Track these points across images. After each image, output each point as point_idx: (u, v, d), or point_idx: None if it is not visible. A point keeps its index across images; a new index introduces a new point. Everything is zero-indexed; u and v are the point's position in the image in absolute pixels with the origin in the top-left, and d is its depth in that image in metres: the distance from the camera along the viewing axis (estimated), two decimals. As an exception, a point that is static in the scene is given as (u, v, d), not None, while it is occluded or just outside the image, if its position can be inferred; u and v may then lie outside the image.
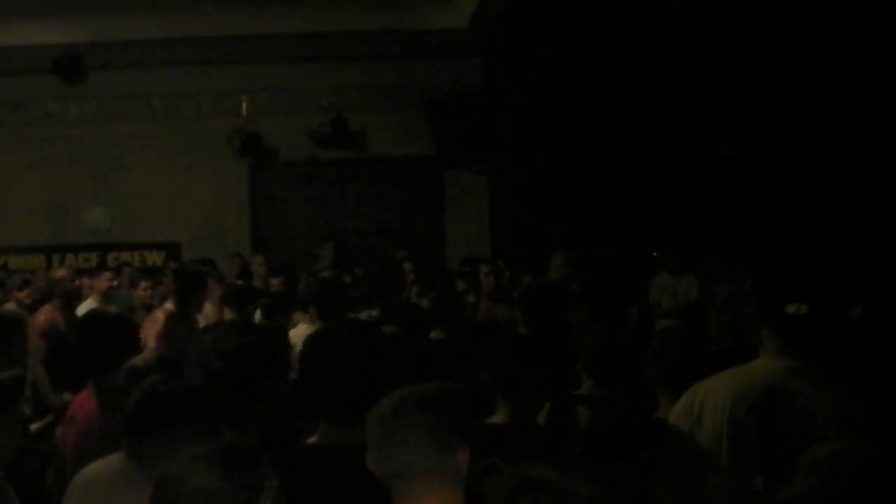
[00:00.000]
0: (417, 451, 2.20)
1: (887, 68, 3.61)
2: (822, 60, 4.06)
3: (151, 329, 5.87)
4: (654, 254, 7.08)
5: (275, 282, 9.19)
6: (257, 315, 6.80)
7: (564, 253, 5.93)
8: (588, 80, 7.21)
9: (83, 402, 3.93)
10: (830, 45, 3.99)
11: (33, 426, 4.51)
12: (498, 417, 3.70)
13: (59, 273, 8.17)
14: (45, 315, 7.29)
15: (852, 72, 3.87)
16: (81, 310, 7.96)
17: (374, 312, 7.04)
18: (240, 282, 9.69)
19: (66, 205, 12.34)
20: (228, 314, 6.93)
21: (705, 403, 3.05)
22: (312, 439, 2.84)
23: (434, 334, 5.89)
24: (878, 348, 3.57)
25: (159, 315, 6.06)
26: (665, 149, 5.89)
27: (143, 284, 8.54)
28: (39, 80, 11.83)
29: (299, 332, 5.86)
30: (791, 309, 2.95)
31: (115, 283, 8.43)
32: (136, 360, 3.50)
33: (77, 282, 7.96)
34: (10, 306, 7.01)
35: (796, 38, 4.25)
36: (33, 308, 7.39)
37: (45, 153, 12.21)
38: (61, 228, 12.36)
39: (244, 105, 12.10)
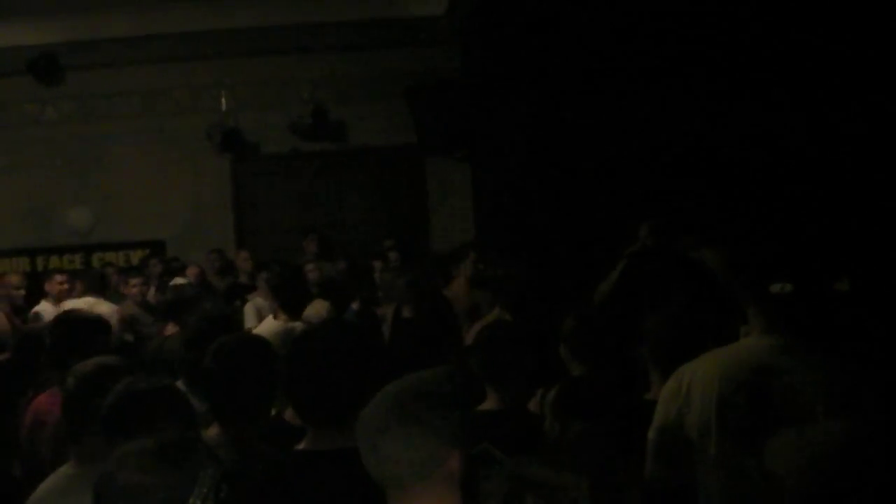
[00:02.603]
0: (407, 462, 2.17)
1: (874, 58, 3.62)
2: (810, 41, 4.07)
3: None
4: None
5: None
6: None
7: (650, 222, 5.78)
8: (568, 65, 7.21)
9: (51, 404, 3.90)
10: (821, 31, 4.00)
11: None
12: (488, 404, 3.72)
13: (9, 279, 8.29)
14: None
15: (834, 56, 3.88)
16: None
17: (356, 305, 7.06)
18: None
19: (48, 206, 12.28)
20: None
21: (693, 385, 3.05)
22: (301, 445, 2.79)
23: (405, 313, 6.03)
24: (865, 322, 3.59)
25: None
26: (648, 133, 5.89)
27: (132, 282, 8.51)
28: (15, 81, 11.75)
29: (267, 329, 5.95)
30: (776, 288, 2.95)
31: (68, 285, 8.45)
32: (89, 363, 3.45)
33: (20, 291, 8.08)
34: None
35: (783, 24, 4.26)
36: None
37: (23, 155, 12.13)
38: (44, 230, 12.30)
39: (223, 100, 12.04)
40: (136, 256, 12.23)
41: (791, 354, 2.95)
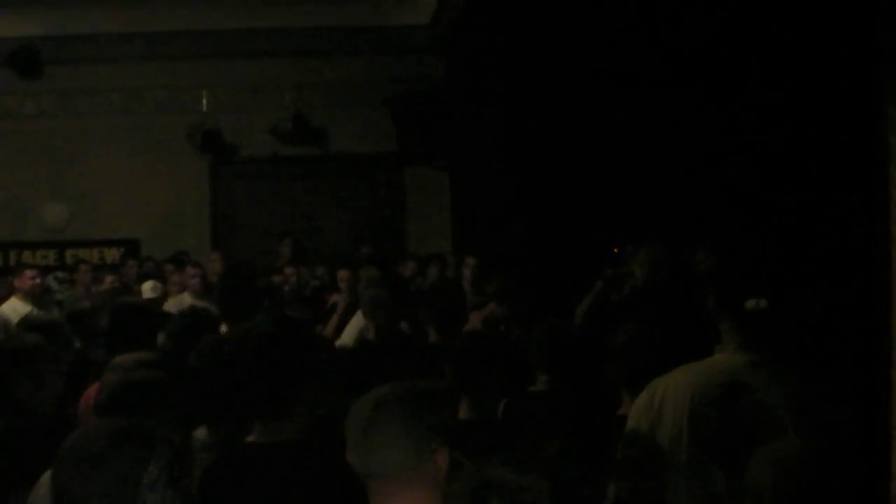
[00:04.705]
0: (395, 451, 2.21)
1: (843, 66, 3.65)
2: (784, 53, 4.10)
3: None
4: (615, 251, 7.10)
5: None
6: None
7: (653, 247, 5.53)
8: (550, 76, 7.23)
9: None
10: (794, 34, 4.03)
11: None
12: (461, 413, 3.73)
13: None
14: None
15: (809, 65, 3.91)
16: (5, 308, 7.87)
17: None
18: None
19: (23, 201, 12.18)
20: None
21: (665, 398, 3.07)
22: (250, 437, 2.86)
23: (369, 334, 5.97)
24: (836, 344, 3.61)
25: None
26: (628, 145, 5.92)
27: (109, 279, 8.40)
28: (-6, 74, 11.68)
29: None
30: (750, 304, 2.97)
31: (39, 280, 8.29)
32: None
33: None
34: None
35: (758, 31, 4.29)
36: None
37: (0, 149, 12.03)
38: (18, 225, 12.20)
39: (204, 100, 12.00)
40: (110, 254, 12.15)
41: (763, 371, 2.97)
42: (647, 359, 3.59)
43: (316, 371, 2.87)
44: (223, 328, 5.34)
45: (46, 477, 2.94)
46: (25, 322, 5.62)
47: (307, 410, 2.82)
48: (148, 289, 8.56)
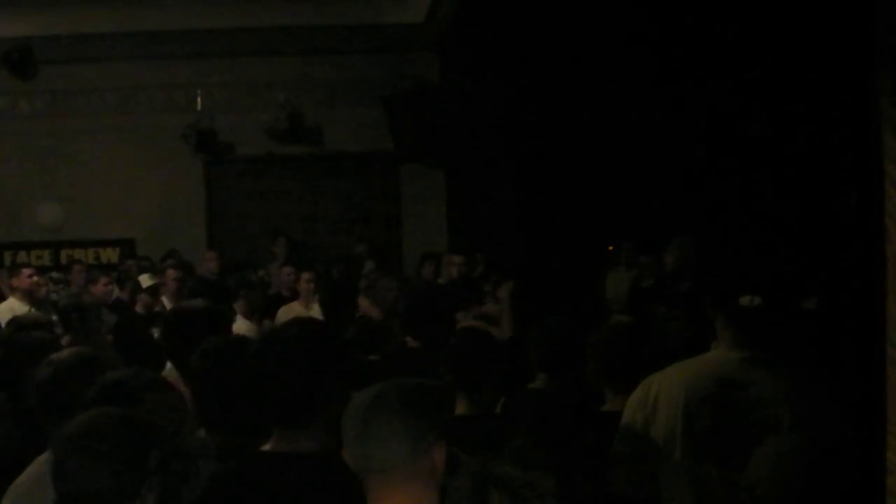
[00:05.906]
0: (392, 446, 2.20)
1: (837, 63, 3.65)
2: (778, 49, 4.11)
3: None
4: (610, 248, 7.12)
5: None
6: None
7: (684, 238, 5.58)
8: (544, 74, 7.24)
9: None
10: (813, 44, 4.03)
11: None
12: (458, 409, 3.73)
13: None
14: None
15: (805, 63, 3.92)
16: (3, 308, 7.80)
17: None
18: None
19: (18, 201, 12.14)
20: None
21: (660, 394, 3.08)
22: (266, 446, 2.76)
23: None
24: (830, 340, 3.62)
25: None
26: (624, 143, 5.92)
27: (103, 280, 8.37)
28: (-12, 74, 11.64)
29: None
30: (745, 301, 2.98)
31: (37, 279, 8.26)
32: (55, 357, 3.44)
33: None
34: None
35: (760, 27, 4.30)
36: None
37: (-5, 149, 12.02)
38: (13, 226, 12.16)
39: (199, 100, 11.97)
40: (105, 254, 12.14)
41: (758, 367, 2.98)
42: (625, 355, 3.62)
43: (339, 377, 2.74)
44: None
45: (25, 475, 2.93)
46: (17, 322, 5.59)
47: (328, 419, 2.65)
48: (146, 278, 8.53)
